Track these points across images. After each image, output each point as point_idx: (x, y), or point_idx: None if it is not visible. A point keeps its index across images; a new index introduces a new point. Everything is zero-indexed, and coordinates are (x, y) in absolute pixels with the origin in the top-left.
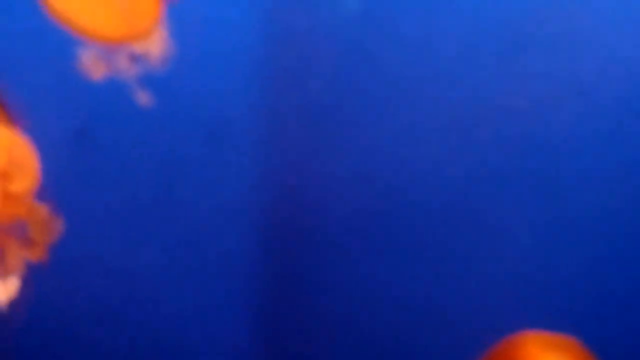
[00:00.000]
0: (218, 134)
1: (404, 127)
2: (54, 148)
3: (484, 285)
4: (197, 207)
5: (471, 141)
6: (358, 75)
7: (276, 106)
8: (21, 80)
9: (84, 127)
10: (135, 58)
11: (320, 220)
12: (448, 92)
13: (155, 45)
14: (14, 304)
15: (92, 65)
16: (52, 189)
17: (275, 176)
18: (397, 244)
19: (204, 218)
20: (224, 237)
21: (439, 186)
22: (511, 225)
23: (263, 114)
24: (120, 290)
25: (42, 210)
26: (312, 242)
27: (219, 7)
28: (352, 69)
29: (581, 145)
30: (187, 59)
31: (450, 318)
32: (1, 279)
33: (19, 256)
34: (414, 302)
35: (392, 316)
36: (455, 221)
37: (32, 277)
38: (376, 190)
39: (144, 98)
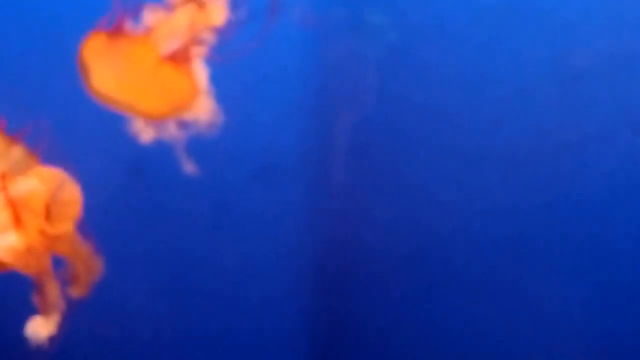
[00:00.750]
0: (268, 175)
1: (449, 170)
2: (109, 185)
3: (524, 328)
4: (246, 245)
5: (517, 183)
6: (402, 117)
7: (324, 150)
8: (76, 118)
9: (138, 166)
10: (183, 125)
11: (366, 259)
12: (493, 132)
13: (202, 112)
14: (53, 340)
15: (142, 130)
16: (103, 224)
17: (323, 219)
18: (442, 285)
19: (253, 256)
20: (273, 276)
21: (486, 228)
22: (558, 265)
23: (312, 157)
24: (165, 328)
25: (86, 247)
26: (359, 280)
27: (266, 55)
28: (396, 113)
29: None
30: (236, 105)
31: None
32: (42, 315)
33: (59, 293)
34: (458, 341)
35: (434, 352)
36: (500, 264)
37: (73, 314)
38: (422, 233)
39: (189, 167)
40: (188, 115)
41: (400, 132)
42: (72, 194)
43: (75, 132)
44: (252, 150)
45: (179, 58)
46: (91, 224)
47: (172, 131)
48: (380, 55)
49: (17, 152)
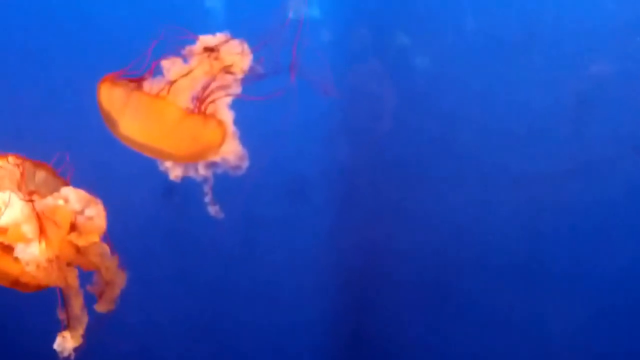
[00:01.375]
0: (296, 194)
1: (471, 195)
2: (142, 206)
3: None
4: (276, 262)
5: (538, 208)
6: (424, 140)
7: (349, 170)
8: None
9: (171, 186)
10: (210, 165)
11: (390, 275)
12: (512, 158)
13: (228, 154)
14: (78, 353)
15: (170, 169)
16: (136, 245)
17: (348, 236)
18: (461, 306)
19: (282, 271)
20: (301, 290)
21: (507, 254)
22: (582, 291)
23: (337, 177)
24: (192, 340)
25: (111, 261)
26: (382, 295)
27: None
28: (418, 136)
29: None
30: (269, 128)
31: None
32: (68, 328)
33: (84, 307)
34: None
35: None
36: (523, 290)
37: (98, 327)
38: (437, 253)
39: (214, 210)
40: (215, 157)
41: (423, 153)
42: (96, 212)
43: (110, 158)
44: (283, 167)
45: (201, 106)
46: (123, 245)
47: (200, 171)
48: (404, 78)
49: (43, 174)
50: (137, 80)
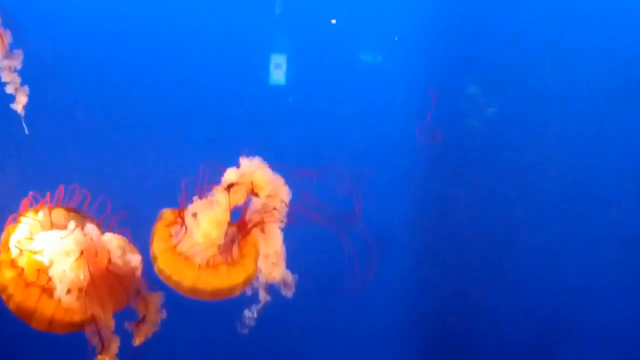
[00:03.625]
0: (379, 243)
1: (551, 251)
2: None
3: None
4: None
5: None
6: (505, 191)
7: (424, 228)
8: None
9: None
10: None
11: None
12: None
13: (278, 276)
14: None
15: None
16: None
17: (429, 293)
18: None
19: (363, 321)
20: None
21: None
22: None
23: (418, 234)
24: None
25: (152, 301)
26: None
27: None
28: (495, 186)
29: None
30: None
31: None
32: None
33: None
34: None
35: None
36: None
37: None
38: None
39: (242, 329)
40: (264, 280)
41: (505, 205)
42: (133, 258)
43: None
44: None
45: (242, 235)
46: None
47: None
48: (478, 127)
49: (78, 218)
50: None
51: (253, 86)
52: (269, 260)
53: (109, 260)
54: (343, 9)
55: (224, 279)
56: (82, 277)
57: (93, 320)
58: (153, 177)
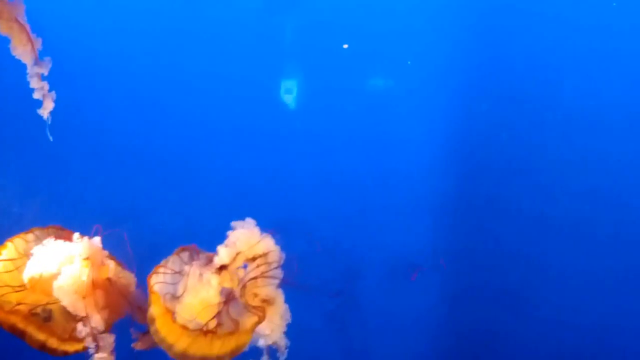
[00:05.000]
0: (405, 273)
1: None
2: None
3: None
4: (386, 339)
5: None
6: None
7: (457, 256)
8: None
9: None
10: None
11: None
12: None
13: (274, 334)
14: None
15: None
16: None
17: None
18: None
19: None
20: None
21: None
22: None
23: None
24: None
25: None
26: None
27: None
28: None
29: None
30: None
31: None
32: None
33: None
34: None
35: None
36: None
37: None
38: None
39: None
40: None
41: (530, 245)
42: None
43: None
44: (390, 251)
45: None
46: None
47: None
48: (493, 151)
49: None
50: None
51: (263, 110)
52: (270, 323)
53: (109, 272)
54: (355, 33)
55: (216, 348)
56: (85, 280)
57: (91, 330)
58: (160, 208)
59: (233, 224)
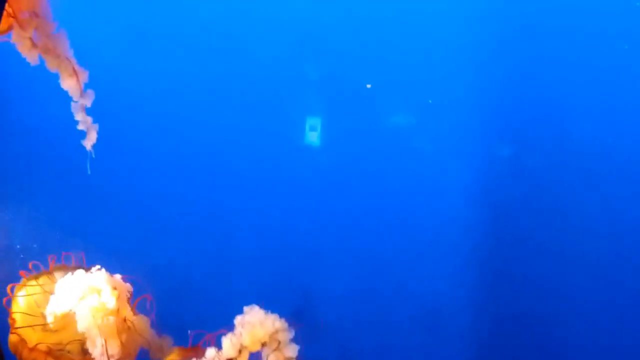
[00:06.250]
0: (433, 322)
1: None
2: None
3: None
4: None
5: None
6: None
7: (480, 302)
8: None
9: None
10: None
11: None
12: None
13: None
14: None
15: None
16: None
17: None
18: None
19: None
20: None
21: None
22: None
23: (471, 309)
24: None
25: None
26: None
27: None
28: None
29: None
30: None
31: None
32: None
33: None
34: None
35: None
36: None
37: None
38: None
39: None
40: None
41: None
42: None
43: None
44: (417, 298)
45: None
46: None
47: None
48: (514, 189)
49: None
50: None
51: (288, 147)
52: None
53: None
54: (378, 73)
55: None
56: (113, 310)
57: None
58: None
59: (237, 318)
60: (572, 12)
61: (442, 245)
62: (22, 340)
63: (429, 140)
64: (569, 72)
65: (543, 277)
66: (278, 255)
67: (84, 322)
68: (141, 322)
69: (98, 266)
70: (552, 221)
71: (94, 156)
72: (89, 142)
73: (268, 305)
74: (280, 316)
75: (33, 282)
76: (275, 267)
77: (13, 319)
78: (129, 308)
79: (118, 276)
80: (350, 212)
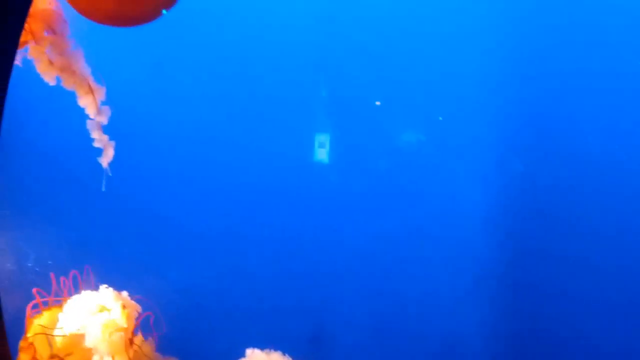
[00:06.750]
0: (452, 350)
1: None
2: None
3: None
4: None
5: None
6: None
7: (500, 328)
8: None
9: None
10: None
11: None
12: None
13: None
14: None
15: None
16: None
17: None
18: None
19: None
20: None
21: None
22: None
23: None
24: None
25: None
26: None
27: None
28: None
29: None
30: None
31: None
32: None
33: None
34: None
35: None
36: None
37: None
38: None
39: None
40: None
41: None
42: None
43: None
44: (436, 331)
45: None
46: None
47: None
48: (528, 204)
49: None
50: None
51: (297, 165)
52: None
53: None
54: (388, 90)
55: None
56: (122, 327)
57: None
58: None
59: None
60: (588, 29)
61: (456, 264)
62: None
63: (439, 157)
64: (584, 87)
65: (564, 296)
66: (289, 277)
67: (93, 339)
68: (147, 343)
69: (106, 285)
70: (571, 238)
71: (110, 174)
72: (105, 160)
73: (277, 333)
74: (291, 346)
75: (47, 314)
76: (287, 290)
77: (28, 342)
78: (137, 328)
79: (126, 294)
80: (360, 230)
